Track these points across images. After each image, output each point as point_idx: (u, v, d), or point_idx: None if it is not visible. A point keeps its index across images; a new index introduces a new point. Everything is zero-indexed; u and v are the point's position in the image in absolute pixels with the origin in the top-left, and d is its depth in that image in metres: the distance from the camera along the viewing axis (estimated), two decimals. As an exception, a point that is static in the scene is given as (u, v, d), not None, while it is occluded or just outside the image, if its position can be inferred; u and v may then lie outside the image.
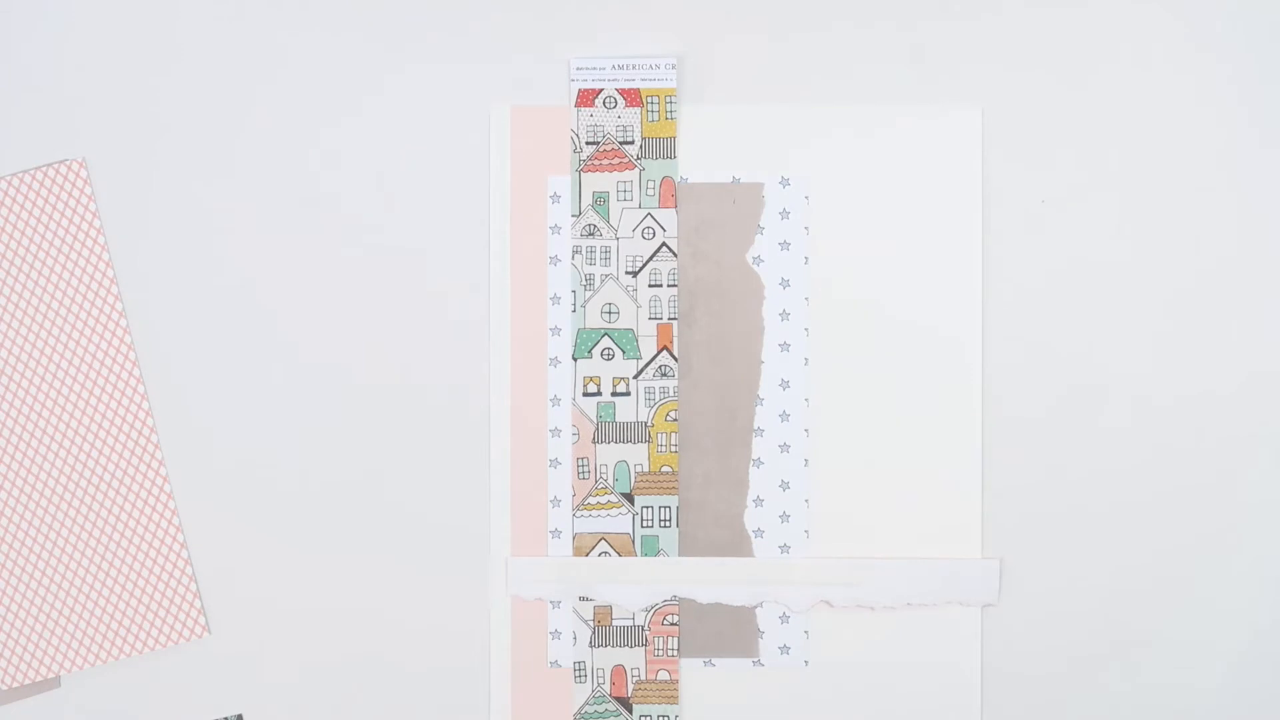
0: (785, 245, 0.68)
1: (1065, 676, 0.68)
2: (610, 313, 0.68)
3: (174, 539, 0.67)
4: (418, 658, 0.68)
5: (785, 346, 0.68)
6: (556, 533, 0.68)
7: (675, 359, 0.68)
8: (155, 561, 0.67)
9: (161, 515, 0.67)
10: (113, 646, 0.67)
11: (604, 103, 0.68)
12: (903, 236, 0.68)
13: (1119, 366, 0.68)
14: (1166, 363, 0.68)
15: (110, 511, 0.67)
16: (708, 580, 0.67)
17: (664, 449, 0.68)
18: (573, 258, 0.68)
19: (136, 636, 0.67)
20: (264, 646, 0.68)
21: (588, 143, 0.68)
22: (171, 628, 0.67)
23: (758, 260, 0.68)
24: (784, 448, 0.68)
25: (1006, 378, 0.68)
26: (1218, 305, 0.68)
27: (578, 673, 0.68)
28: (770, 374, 0.68)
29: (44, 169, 0.67)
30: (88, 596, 0.67)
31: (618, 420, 0.68)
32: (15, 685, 0.67)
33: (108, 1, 0.68)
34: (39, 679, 0.67)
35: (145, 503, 0.67)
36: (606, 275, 0.68)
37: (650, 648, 0.68)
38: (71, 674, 0.67)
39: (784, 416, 0.68)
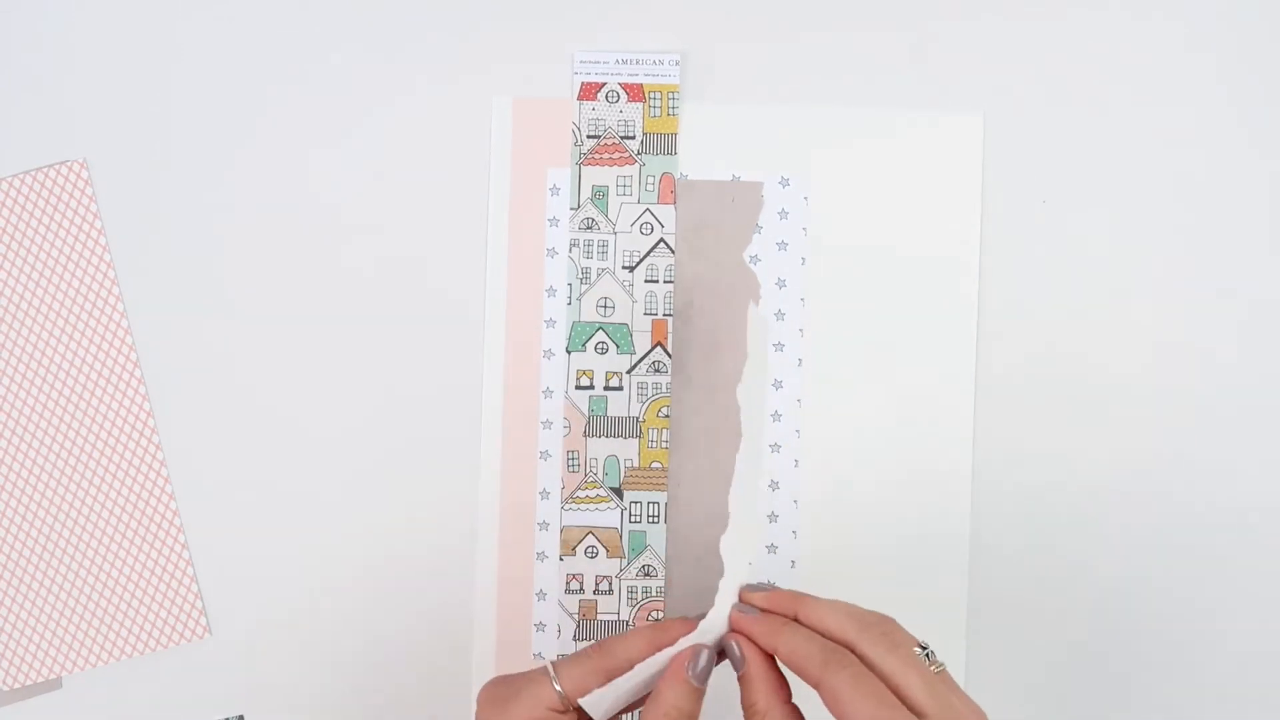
0: (783, 245, 0.68)
1: (1059, 680, 0.68)
2: (605, 307, 0.68)
3: (175, 540, 0.67)
4: (413, 653, 0.67)
5: (779, 347, 0.68)
6: (544, 525, 0.68)
7: (669, 355, 0.68)
8: (156, 562, 0.67)
9: (162, 516, 0.67)
10: (114, 648, 0.67)
11: (606, 97, 0.68)
12: (901, 241, 0.68)
13: (1118, 374, 0.68)
14: (1165, 366, 0.68)
15: (111, 513, 0.67)
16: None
17: (655, 445, 0.68)
18: (570, 251, 0.68)
19: (138, 638, 0.67)
20: (265, 647, 0.68)
21: (589, 136, 0.68)
22: (173, 629, 0.67)
23: (755, 259, 0.68)
24: (775, 448, 0.68)
25: (1002, 383, 0.68)
26: (1218, 308, 0.68)
27: (561, 666, 0.68)
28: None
29: (45, 170, 0.68)
30: (89, 597, 0.67)
31: (609, 414, 0.68)
32: (17, 686, 0.67)
33: (109, 2, 0.68)
34: (40, 680, 0.67)
35: (146, 504, 0.67)
36: (603, 269, 0.68)
37: (634, 643, 0.68)
38: (73, 675, 0.67)
39: (776, 417, 0.68)
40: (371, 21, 0.68)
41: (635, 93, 0.68)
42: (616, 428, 0.68)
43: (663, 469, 0.68)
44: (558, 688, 0.52)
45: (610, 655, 0.53)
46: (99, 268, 0.68)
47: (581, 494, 0.68)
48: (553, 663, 0.53)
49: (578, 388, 0.68)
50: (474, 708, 0.67)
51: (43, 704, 0.67)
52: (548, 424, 0.68)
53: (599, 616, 0.68)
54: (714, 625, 0.53)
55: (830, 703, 0.48)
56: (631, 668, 0.52)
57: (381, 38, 0.68)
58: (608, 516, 0.68)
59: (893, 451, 0.68)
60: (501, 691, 0.52)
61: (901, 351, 0.68)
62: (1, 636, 0.67)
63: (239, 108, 0.68)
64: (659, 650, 0.53)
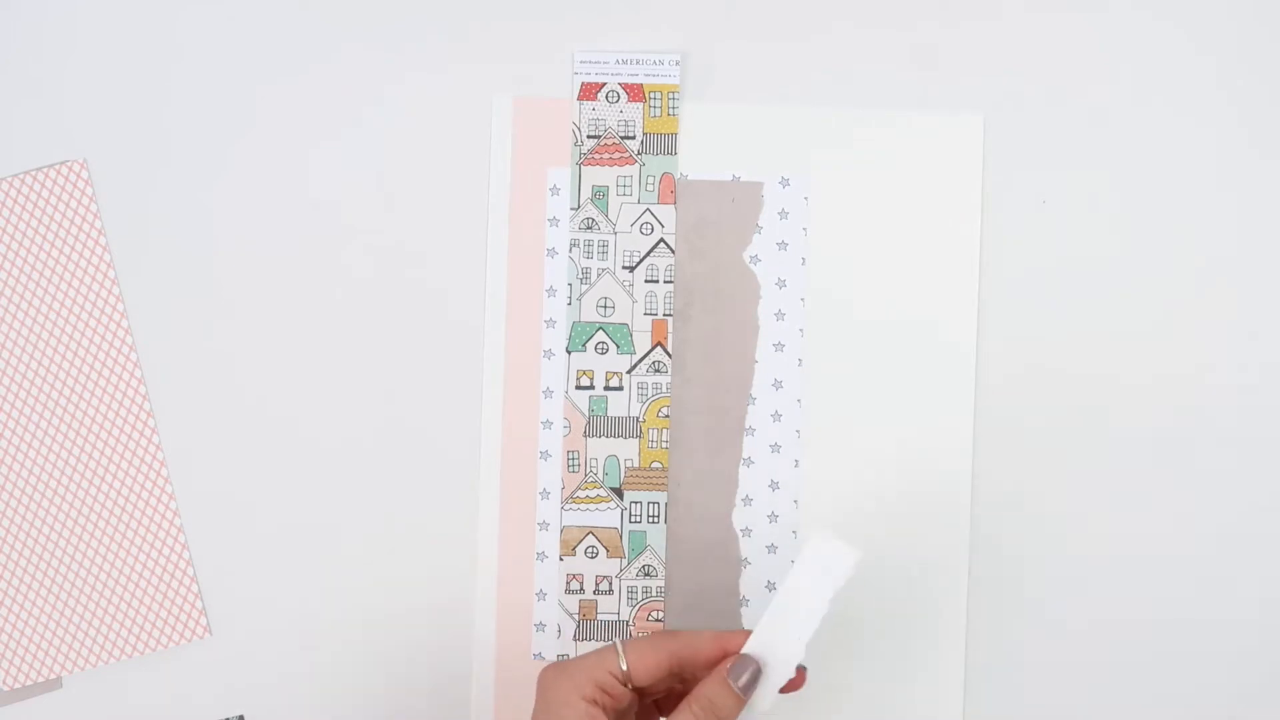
0: (783, 245, 0.68)
1: (1059, 681, 0.68)
2: (606, 307, 0.68)
3: (175, 540, 0.67)
4: (413, 652, 0.67)
5: (779, 347, 0.68)
6: (545, 525, 0.68)
7: (669, 355, 0.68)
8: (156, 562, 0.67)
9: (162, 516, 0.67)
10: (114, 648, 0.67)
11: (607, 97, 0.68)
12: (900, 241, 0.68)
13: (1118, 373, 0.68)
14: (1166, 367, 0.68)
15: (111, 512, 0.67)
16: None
17: (655, 445, 0.68)
18: (570, 251, 0.68)
19: (138, 638, 0.67)
20: (265, 647, 0.68)
21: (589, 136, 0.68)
22: (173, 629, 0.67)
23: (755, 260, 0.68)
24: (775, 448, 0.68)
25: (1001, 384, 0.68)
26: (1217, 309, 0.68)
27: (561, 666, 0.68)
28: (763, 374, 0.68)
29: (45, 170, 0.67)
30: (89, 597, 0.67)
31: (609, 414, 0.68)
32: (17, 686, 0.67)
33: (109, 2, 0.68)
34: (40, 680, 0.67)
35: (146, 503, 0.67)
36: (603, 269, 0.68)
37: (634, 643, 0.68)
38: (73, 675, 0.67)
39: (776, 417, 0.68)
40: (371, 21, 0.68)
41: (635, 93, 0.68)
42: (616, 428, 0.68)
43: (663, 469, 0.68)
44: (623, 665, 0.56)
45: (676, 640, 0.57)
46: (99, 268, 0.68)
47: (581, 494, 0.68)
48: (621, 640, 0.58)
49: (578, 388, 0.68)
50: (472, 707, 0.67)
51: (43, 704, 0.67)
52: (548, 424, 0.68)
53: (599, 616, 0.68)
54: (774, 648, 0.57)
55: None
56: (695, 655, 0.57)
57: (381, 38, 0.68)
58: (608, 516, 0.68)
59: (892, 451, 0.68)
60: (563, 662, 0.58)
61: (901, 351, 0.68)
62: (1, 636, 0.67)
63: (238, 108, 0.68)
64: (725, 649, 0.57)
